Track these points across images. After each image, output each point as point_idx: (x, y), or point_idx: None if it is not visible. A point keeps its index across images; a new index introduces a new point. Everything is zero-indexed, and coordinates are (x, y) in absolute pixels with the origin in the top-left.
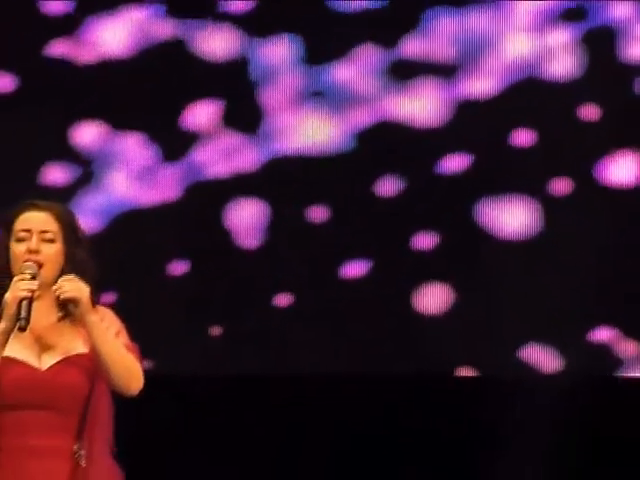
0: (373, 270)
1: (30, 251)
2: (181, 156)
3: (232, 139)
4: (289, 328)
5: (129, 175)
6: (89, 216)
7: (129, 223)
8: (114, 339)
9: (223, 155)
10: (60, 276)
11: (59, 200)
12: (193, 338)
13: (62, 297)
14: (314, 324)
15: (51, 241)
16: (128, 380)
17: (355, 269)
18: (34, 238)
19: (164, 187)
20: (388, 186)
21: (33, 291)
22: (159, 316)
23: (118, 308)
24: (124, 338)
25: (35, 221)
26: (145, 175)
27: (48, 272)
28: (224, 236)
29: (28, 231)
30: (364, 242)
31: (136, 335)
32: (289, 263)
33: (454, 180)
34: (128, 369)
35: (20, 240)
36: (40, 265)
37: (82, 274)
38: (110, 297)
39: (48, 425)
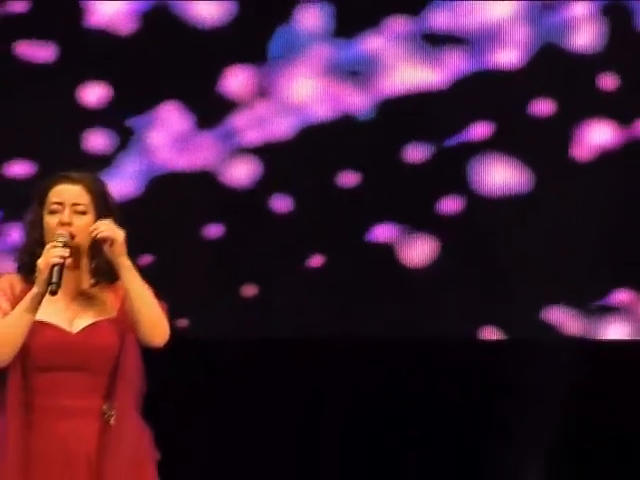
0: (399, 234)
1: (62, 223)
2: (217, 123)
3: (265, 106)
4: (319, 291)
5: (167, 141)
6: (128, 180)
7: (166, 187)
8: (145, 286)
9: (257, 122)
10: (92, 246)
11: (100, 166)
12: (226, 300)
13: (99, 236)
14: (343, 287)
15: (83, 213)
16: (154, 329)
17: (383, 233)
18: (66, 211)
19: (200, 152)
20: (415, 153)
21: (64, 257)
22: (194, 278)
23: (154, 270)
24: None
25: (67, 194)
26: (182, 141)
27: (80, 242)
28: (258, 199)
29: (60, 204)
30: (392, 206)
31: (171, 297)
32: (320, 226)
33: (478, 146)
34: (155, 318)
35: (53, 212)
36: (72, 236)
37: (112, 243)
38: (147, 259)
39: (79, 386)
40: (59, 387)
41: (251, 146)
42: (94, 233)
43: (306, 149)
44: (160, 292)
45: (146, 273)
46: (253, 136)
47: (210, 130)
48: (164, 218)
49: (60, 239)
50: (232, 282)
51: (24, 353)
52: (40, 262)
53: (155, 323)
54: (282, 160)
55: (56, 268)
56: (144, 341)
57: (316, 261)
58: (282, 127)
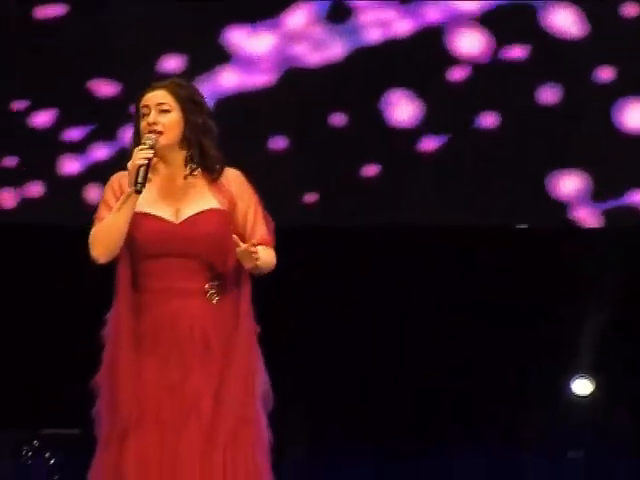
0: (447, 145)
1: (149, 123)
2: (279, 46)
3: (323, 32)
4: (376, 196)
5: (234, 62)
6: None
7: (236, 105)
8: (268, 258)
9: (315, 46)
10: (185, 140)
11: None
12: (293, 204)
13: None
14: (399, 191)
15: (167, 111)
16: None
17: (431, 144)
18: (152, 112)
19: (264, 73)
20: (458, 72)
21: (149, 159)
22: (265, 184)
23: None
24: (259, 212)
25: (152, 98)
26: (248, 63)
27: (169, 137)
28: (318, 115)
29: (147, 107)
30: (439, 120)
31: None
32: (374, 138)
33: (518, 67)
34: (269, 267)
35: (143, 116)
36: (160, 133)
37: (204, 135)
38: None
39: (185, 270)
40: (167, 271)
41: (308, 67)
42: (256, 261)
43: (356, 67)
44: None
45: None
46: (311, 58)
47: (276, 52)
48: (236, 132)
49: (147, 142)
50: (295, 188)
51: (131, 243)
52: (129, 165)
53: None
54: (338, 79)
55: (141, 169)
56: None
57: (371, 170)
58: (337, 50)
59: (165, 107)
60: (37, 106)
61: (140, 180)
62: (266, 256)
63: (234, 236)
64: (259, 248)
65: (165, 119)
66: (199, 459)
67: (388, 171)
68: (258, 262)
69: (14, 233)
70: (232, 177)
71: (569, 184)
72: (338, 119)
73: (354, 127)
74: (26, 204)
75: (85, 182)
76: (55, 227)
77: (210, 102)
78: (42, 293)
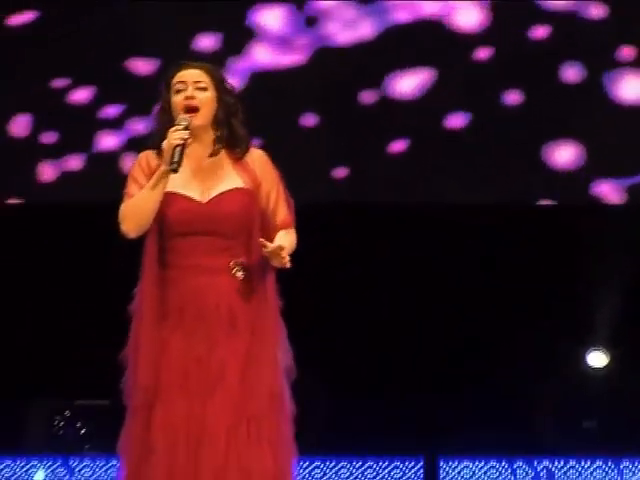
0: (471, 122)
1: (187, 98)
2: (311, 26)
3: (352, 11)
4: (404, 170)
5: (268, 42)
6: (235, 76)
7: (268, 82)
8: (291, 246)
9: (345, 25)
10: (215, 120)
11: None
12: (323, 179)
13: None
14: (425, 166)
15: (204, 89)
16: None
17: (457, 121)
18: (189, 87)
19: (296, 52)
20: (483, 52)
21: (185, 139)
22: (294, 160)
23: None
24: (281, 193)
25: (189, 75)
26: (281, 42)
27: (204, 115)
28: (347, 92)
29: (184, 82)
30: (464, 97)
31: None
32: (403, 114)
33: (541, 46)
34: (293, 250)
35: (178, 91)
36: (196, 109)
37: (233, 116)
38: (255, 143)
39: (211, 248)
40: (193, 249)
41: (341, 46)
42: (284, 262)
43: (385, 46)
44: None
45: None
46: (343, 37)
47: (307, 32)
48: (268, 108)
49: (182, 122)
50: (327, 161)
51: (160, 221)
52: (164, 143)
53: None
54: (367, 57)
55: (177, 149)
56: None
57: (399, 146)
58: (368, 28)
59: (202, 85)
60: (76, 84)
61: (176, 160)
62: (289, 243)
63: (261, 239)
64: (281, 234)
65: (202, 95)
66: (224, 429)
67: (416, 147)
68: (285, 260)
69: (53, 209)
70: (256, 157)
71: (589, 160)
72: (368, 96)
73: (383, 104)
74: (65, 178)
75: (122, 156)
76: (92, 202)
77: (243, 80)
78: (75, 267)
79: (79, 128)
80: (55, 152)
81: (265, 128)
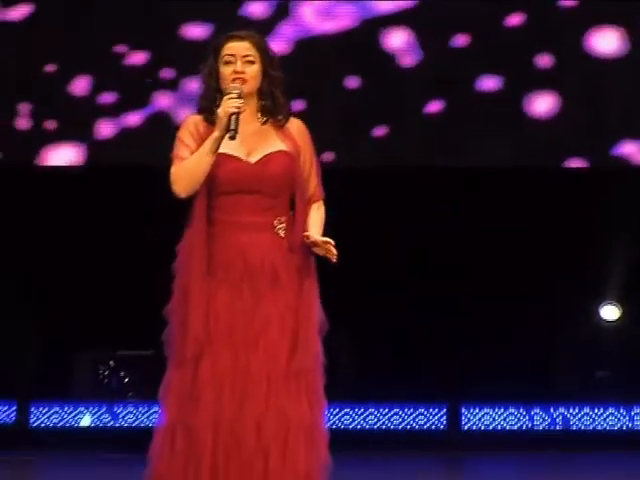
0: (499, 83)
1: (236, 72)
2: None
3: None
4: (438, 131)
5: (313, 9)
6: (283, 42)
7: (313, 48)
8: (322, 222)
9: None
10: (260, 91)
11: (259, 30)
12: (362, 138)
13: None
14: (455, 126)
15: (252, 62)
16: None
17: (490, 84)
18: (239, 62)
19: (342, 19)
20: (516, 19)
21: (239, 107)
22: (337, 119)
23: (307, 113)
24: (314, 164)
25: (238, 48)
26: (327, 9)
27: (251, 87)
28: (386, 58)
29: (233, 55)
30: (497, 62)
31: (319, 133)
32: (437, 79)
33: (568, 12)
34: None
35: (227, 63)
36: (244, 81)
37: (276, 87)
38: (300, 105)
39: (255, 206)
40: (239, 207)
41: (380, 15)
42: (332, 256)
43: (426, 15)
44: (312, 131)
45: (299, 116)
46: (384, 7)
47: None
48: (313, 71)
49: (234, 91)
50: (367, 123)
51: (210, 180)
52: (220, 111)
53: None
54: (409, 25)
55: (234, 117)
56: None
57: (434, 107)
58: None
59: (250, 58)
60: (134, 48)
61: (233, 127)
62: (321, 220)
63: (306, 233)
64: (313, 212)
65: (250, 69)
66: (266, 379)
67: (451, 109)
68: (333, 254)
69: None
70: (296, 126)
71: (613, 122)
72: (409, 59)
73: (422, 68)
74: (125, 135)
75: (175, 114)
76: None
77: (290, 44)
78: (119, 225)
79: (136, 89)
80: (114, 111)
81: (310, 89)
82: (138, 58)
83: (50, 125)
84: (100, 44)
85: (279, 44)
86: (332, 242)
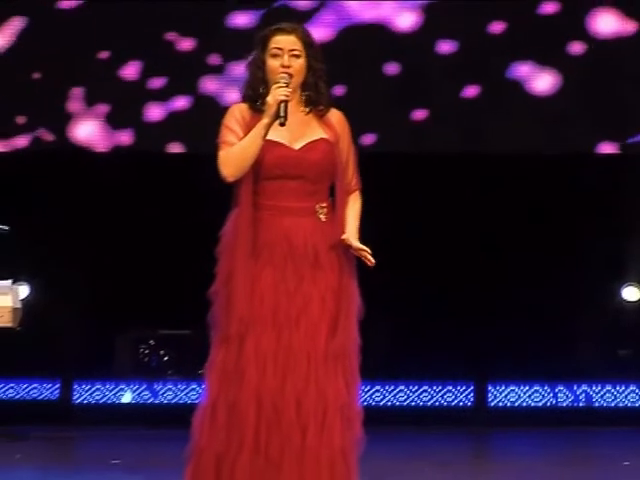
0: (532, 70)
1: (283, 65)
2: None
3: None
4: (475, 115)
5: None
6: (325, 29)
7: (354, 35)
8: (359, 214)
9: None
10: (304, 82)
11: (301, 19)
12: (402, 121)
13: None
14: (492, 112)
15: (297, 57)
16: None
17: (522, 70)
18: (285, 56)
19: (384, 9)
20: (549, 7)
21: (288, 96)
22: (374, 103)
23: (346, 98)
24: (352, 154)
25: (285, 42)
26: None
27: (296, 80)
28: (422, 41)
29: (280, 49)
30: (528, 46)
31: (359, 114)
32: (475, 64)
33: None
34: None
35: (274, 56)
36: (291, 75)
37: (320, 78)
38: (340, 89)
39: (299, 191)
40: (283, 192)
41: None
42: (369, 263)
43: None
44: (350, 116)
45: (338, 101)
46: None
47: None
48: (352, 58)
49: (283, 80)
50: (407, 107)
51: (257, 165)
52: (269, 99)
53: None
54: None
55: (283, 105)
56: None
57: (471, 91)
58: None
59: (296, 52)
60: (182, 34)
61: (282, 114)
62: (357, 213)
63: (344, 236)
64: (350, 205)
65: (296, 63)
66: (307, 357)
67: (486, 93)
68: (370, 261)
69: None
70: (337, 116)
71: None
72: (447, 46)
73: (460, 55)
74: (172, 118)
75: (222, 98)
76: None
77: (333, 33)
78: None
79: (184, 74)
80: (163, 95)
81: (349, 76)
82: (186, 44)
83: (102, 108)
84: (150, 31)
85: (321, 31)
86: (367, 250)
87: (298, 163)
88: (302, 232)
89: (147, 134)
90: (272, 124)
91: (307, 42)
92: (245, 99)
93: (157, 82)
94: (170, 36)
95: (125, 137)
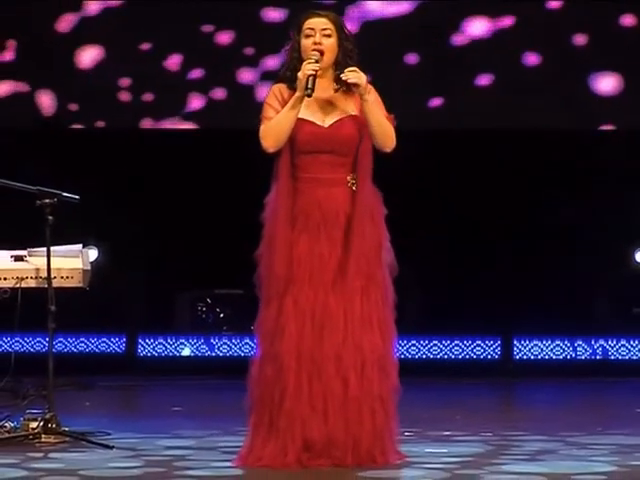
0: (544, 61)
1: (315, 43)
2: None
3: None
4: (487, 103)
5: None
6: (351, 23)
7: (378, 28)
8: (380, 112)
9: None
10: (336, 62)
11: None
12: (422, 107)
13: (348, 81)
14: (508, 97)
15: (329, 36)
16: (385, 141)
17: (532, 59)
18: (317, 34)
19: (402, 3)
20: (555, 3)
21: (316, 70)
22: (400, 89)
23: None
24: (383, 110)
25: (317, 23)
26: None
27: (327, 58)
28: (441, 31)
29: (312, 29)
30: (537, 37)
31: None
32: (489, 52)
33: None
34: (386, 133)
35: (307, 36)
36: (322, 52)
37: (350, 59)
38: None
39: (331, 164)
40: (316, 164)
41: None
42: (345, 78)
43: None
44: None
45: None
46: None
47: None
48: (376, 48)
49: (313, 57)
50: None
51: (292, 141)
52: (299, 74)
53: (386, 138)
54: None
55: (310, 78)
56: (378, 147)
57: (485, 80)
58: None
59: (328, 32)
60: (220, 27)
61: (310, 87)
62: (380, 115)
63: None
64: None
65: (327, 42)
66: (343, 313)
67: (499, 80)
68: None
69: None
70: (369, 89)
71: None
72: (460, 38)
73: (472, 47)
74: (211, 106)
75: (257, 89)
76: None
77: (357, 25)
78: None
79: (223, 65)
80: (202, 85)
81: (375, 65)
82: (224, 38)
83: (147, 97)
84: (190, 25)
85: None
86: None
87: (328, 139)
88: (334, 201)
89: (190, 121)
90: (304, 98)
91: (338, 24)
92: (283, 79)
93: (197, 73)
94: (208, 29)
95: (168, 124)
